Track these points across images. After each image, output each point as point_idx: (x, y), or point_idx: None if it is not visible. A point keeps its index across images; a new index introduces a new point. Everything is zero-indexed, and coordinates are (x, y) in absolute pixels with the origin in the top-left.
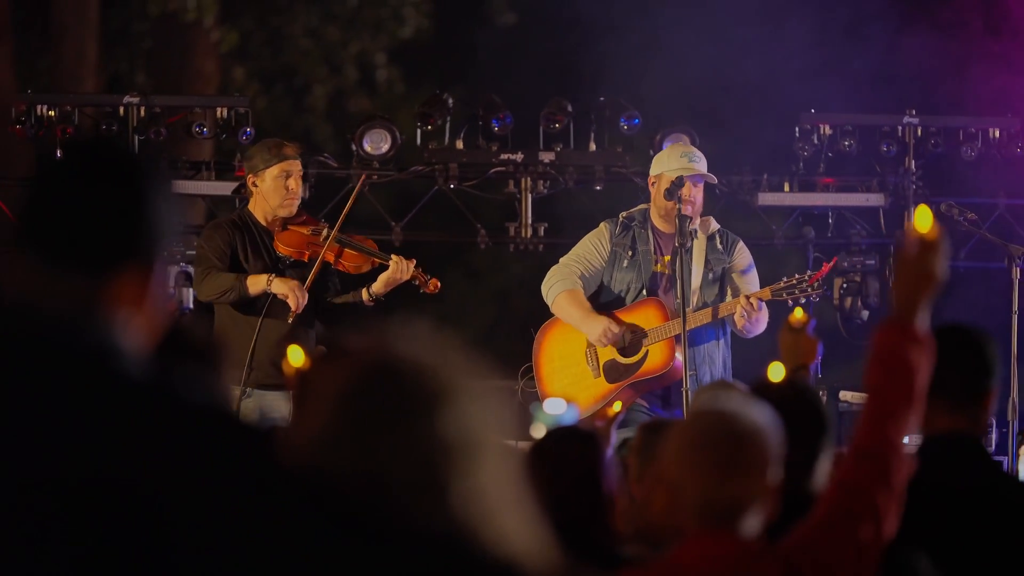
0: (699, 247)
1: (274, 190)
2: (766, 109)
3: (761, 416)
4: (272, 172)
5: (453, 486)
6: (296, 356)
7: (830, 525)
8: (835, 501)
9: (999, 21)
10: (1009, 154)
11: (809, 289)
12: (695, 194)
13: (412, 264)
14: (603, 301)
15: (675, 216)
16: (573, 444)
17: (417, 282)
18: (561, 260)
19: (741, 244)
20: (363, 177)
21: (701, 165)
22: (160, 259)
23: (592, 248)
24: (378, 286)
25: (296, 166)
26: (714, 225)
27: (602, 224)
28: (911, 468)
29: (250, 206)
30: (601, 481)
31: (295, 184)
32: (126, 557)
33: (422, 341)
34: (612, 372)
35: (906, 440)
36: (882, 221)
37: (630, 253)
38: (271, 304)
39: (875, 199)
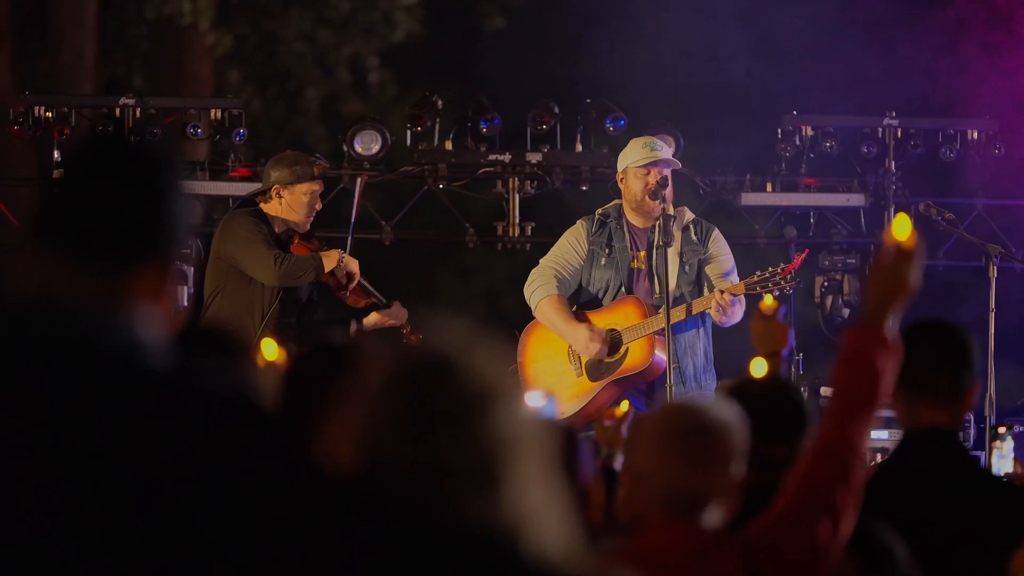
0: (675, 242)
1: (300, 206)
2: (749, 111)
3: (727, 412)
4: (303, 188)
5: (504, 484)
6: (270, 350)
7: (788, 519)
8: (794, 496)
9: (979, 24)
10: (987, 155)
11: (783, 281)
12: (667, 178)
13: (405, 313)
14: (583, 300)
15: (659, 215)
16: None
17: (404, 331)
18: (541, 262)
19: (716, 233)
20: (362, 180)
21: (664, 153)
22: (179, 254)
23: (570, 248)
24: (370, 321)
25: (321, 186)
26: (689, 215)
27: (579, 222)
28: (869, 471)
29: (268, 210)
30: (576, 473)
31: (319, 204)
32: (157, 551)
33: (471, 338)
34: (594, 370)
35: (885, 436)
36: (863, 221)
37: (607, 251)
38: (276, 308)
39: (856, 199)
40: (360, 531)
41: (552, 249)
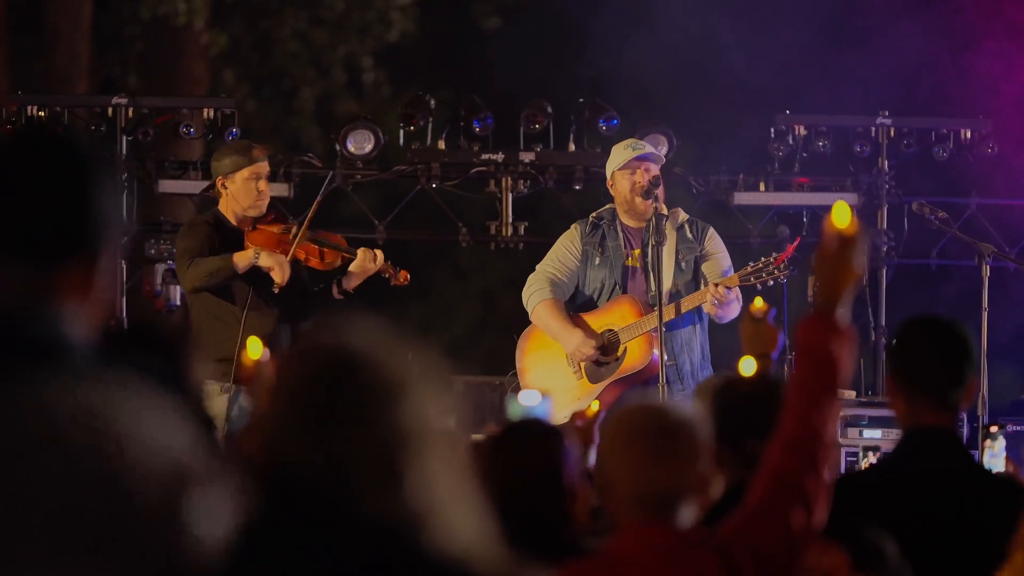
0: (669, 239)
1: (244, 192)
2: (742, 110)
3: (688, 410)
4: (243, 175)
5: (408, 476)
6: (255, 349)
7: (762, 514)
8: (765, 490)
9: (972, 23)
10: (980, 154)
11: (776, 271)
12: (647, 180)
13: (380, 255)
14: (579, 302)
15: (652, 215)
16: (533, 436)
17: (387, 274)
18: (538, 267)
19: (712, 231)
20: (329, 176)
21: (646, 148)
22: (106, 250)
23: (565, 251)
24: (348, 279)
25: (265, 168)
26: (682, 215)
27: (573, 226)
28: (836, 457)
29: (220, 207)
30: (561, 473)
31: (265, 186)
32: (83, 555)
33: (378, 333)
34: (594, 372)
35: (878, 435)
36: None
37: (600, 251)
38: (252, 298)
39: (849, 199)
40: (262, 523)
41: (548, 254)
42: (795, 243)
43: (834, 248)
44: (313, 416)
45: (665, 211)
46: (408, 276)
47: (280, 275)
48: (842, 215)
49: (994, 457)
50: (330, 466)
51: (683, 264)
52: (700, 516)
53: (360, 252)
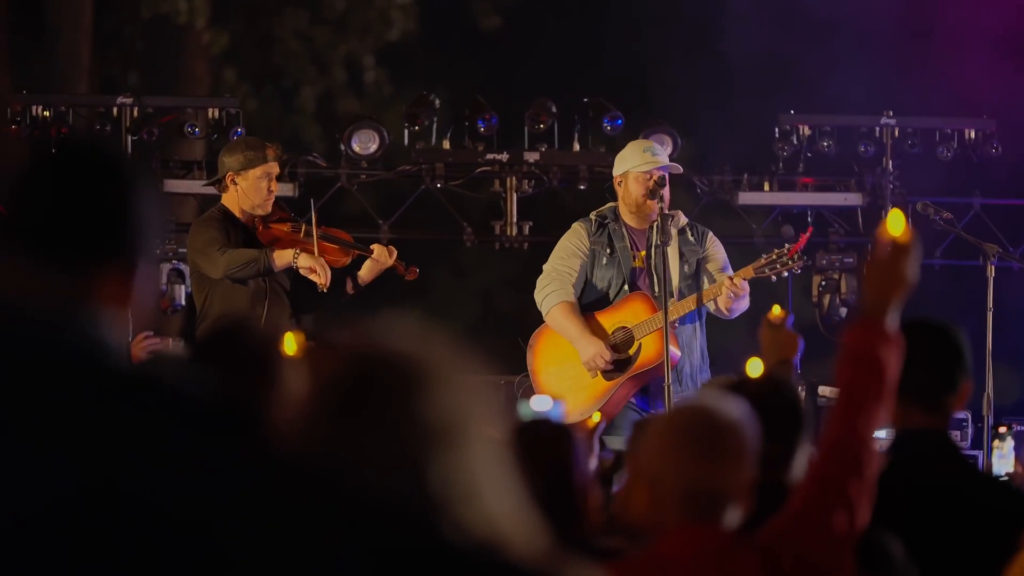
0: (673, 241)
1: (255, 191)
2: (747, 110)
3: (739, 410)
4: (255, 173)
5: (430, 468)
6: (290, 344)
7: (805, 516)
8: (809, 493)
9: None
10: (984, 154)
11: (790, 262)
12: (664, 177)
13: (393, 251)
14: (588, 300)
15: (658, 215)
16: (546, 436)
17: (399, 271)
18: (548, 267)
19: (711, 235)
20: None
21: (663, 157)
22: (145, 257)
23: (574, 249)
24: (364, 274)
25: (276, 169)
26: (683, 219)
27: (576, 225)
28: (881, 462)
29: (225, 202)
30: (574, 473)
31: (275, 186)
32: (127, 561)
33: (410, 332)
34: (608, 370)
35: (879, 435)
36: (860, 220)
37: (608, 251)
38: (271, 293)
39: (853, 198)
40: (317, 526)
41: (555, 253)
42: (807, 233)
43: (886, 255)
44: (333, 409)
45: (668, 211)
46: (417, 272)
47: (323, 276)
48: (897, 223)
49: (1003, 458)
50: (347, 457)
51: (687, 266)
52: (744, 519)
53: (377, 247)
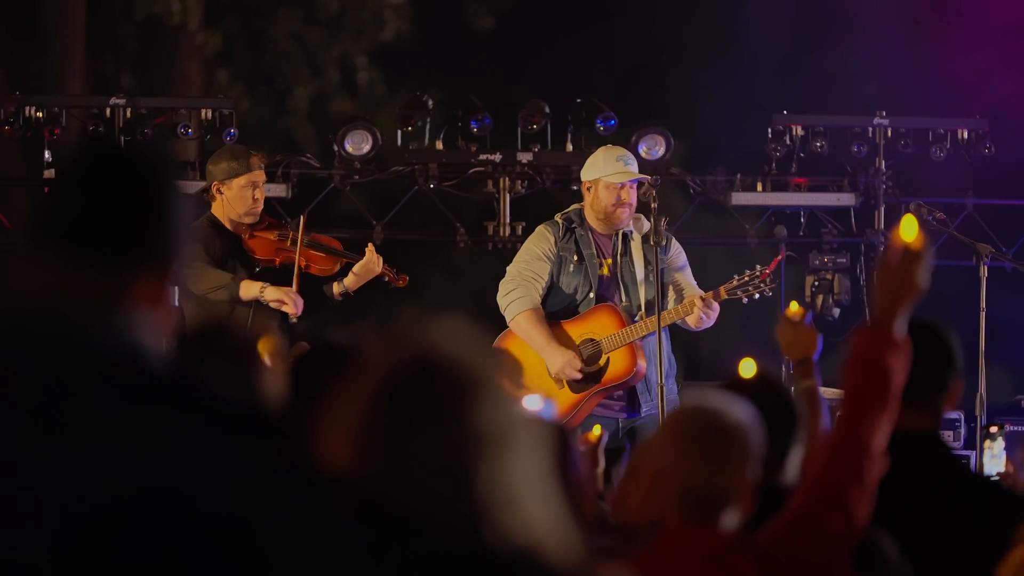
0: (636, 247)
1: (240, 200)
2: (740, 110)
3: (745, 413)
4: (239, 182)
5: (479, 475)
6: (268, 348)
7: (803, 519)
8: (807, 497)
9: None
10: (977, 155)
11: (762, 284)
12: (632, 196)
13: (380, 260)
14: (554, 308)
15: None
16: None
17: (387, 278)
18: (513, 270)
19: (675, 242)
20: (303, 220)
21: (635, 167)
22: (177, 260)
23: (542, 254)
24: (350, 280)
25: (262, 177)
26: (646, 224)
27: (542, 228)
28: (884, 469)
29: (214, 211)
30: (568, 472)
31: (261, 195)
32: (159, 556)
33: (462, 336)
34: (576, 382)
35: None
36: (853, 220)
37: (575, 258)
38: (256, 307)
39: (846, 199)
40: (358, 530)
41: (520, 256)
42: (780, 257)
43: (898, 260)
44: (386, 415)
45: (628, 214)
46: (407, 280)
47: (292, 307)
48: (909, 229)
49: (994, 457)
50: (398, 463)
51: (651, 275)
52: (742, 523)
53: (368, 252)
